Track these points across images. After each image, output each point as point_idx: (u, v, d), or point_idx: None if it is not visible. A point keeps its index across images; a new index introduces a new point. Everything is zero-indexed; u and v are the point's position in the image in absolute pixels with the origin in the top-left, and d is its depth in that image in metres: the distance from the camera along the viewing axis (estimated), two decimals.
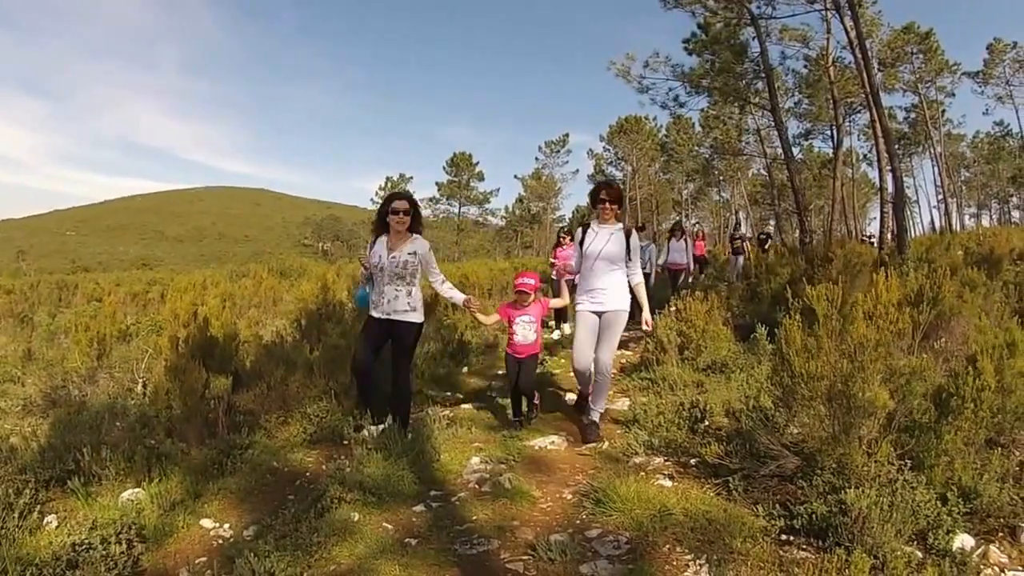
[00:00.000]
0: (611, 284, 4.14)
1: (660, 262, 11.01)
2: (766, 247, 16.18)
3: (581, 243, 4.25)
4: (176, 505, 3.18)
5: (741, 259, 14.34)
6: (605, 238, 4.16)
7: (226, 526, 3.06)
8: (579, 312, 4.21)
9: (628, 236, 4.18)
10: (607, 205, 4.14)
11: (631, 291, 4.25)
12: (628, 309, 4.14)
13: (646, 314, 4.26)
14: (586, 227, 4.32)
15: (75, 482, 3.14)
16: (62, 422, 3.73)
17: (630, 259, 4.18)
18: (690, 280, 11.14)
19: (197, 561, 2.73)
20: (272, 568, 2.45)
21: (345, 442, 3.93)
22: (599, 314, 4.15)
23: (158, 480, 3.32)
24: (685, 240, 11.12)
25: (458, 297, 4.20)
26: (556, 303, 4.81)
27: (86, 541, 2.67)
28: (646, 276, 9.64)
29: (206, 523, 3.07)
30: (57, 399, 4.32)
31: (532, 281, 4.37)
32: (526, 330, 4.37)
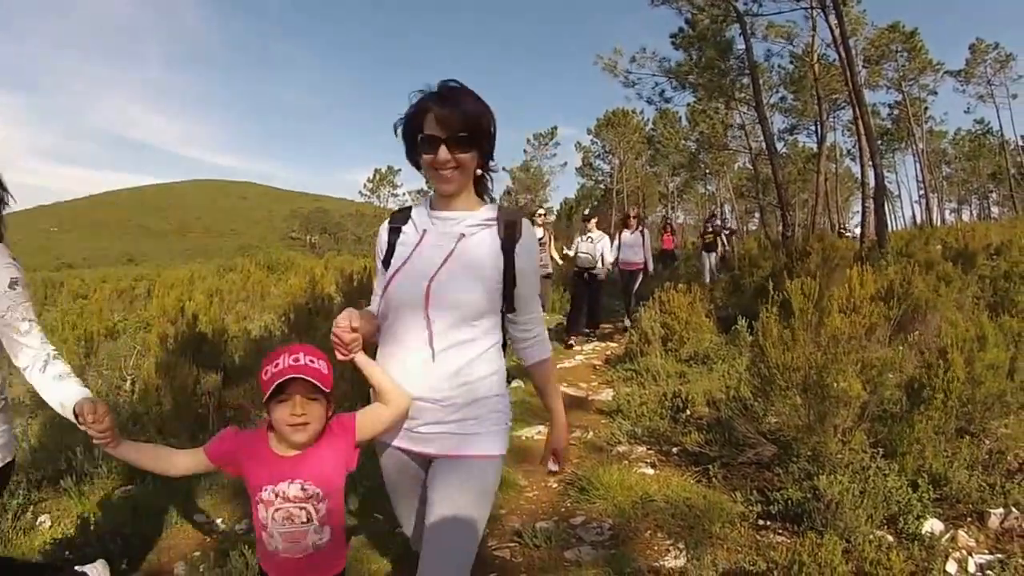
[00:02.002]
0: (457, 373, 1.53)
1: (611, 260, 7.97)
2: (727, 245, 14.34)
3: (387, 261, 1.65)
4: (169, 501, 3.22)
5: (713, 256, 12.94)
6: (446, 246, 1.57)
7: (219, 520, 3.10)
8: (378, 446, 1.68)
9: (513, 238, 1.57)
10: (441, 156, 1.50)
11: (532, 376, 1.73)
12: (500, 452, 1.59)
13: (556, 437, 1.69)
14: (401, 220, 1.68)
15: (68, 481, 3.15)
16: (52, 422, 3.72)
17: (515, 307, 1.61)
18: (634, 287, 8.42)
19: (192, 555, 2.77)
20: None
21: None
22: (427, 459, 1.62)
23: (150, 477, 3.34)
24: (642, 232, 8.35)
25: (73, 397, 1.68)
26: (367, 424, 1.56)
27: (81, 539, 2.70)
28: (595, 280, 7.75)
29: (199, 518, 3.11)
30: None
31: (322, 366, 1.49)
32: (292, 527, 1.48)
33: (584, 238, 7.79)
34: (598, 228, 8.03)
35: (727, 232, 15.25)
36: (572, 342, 7.60)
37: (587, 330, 8.25)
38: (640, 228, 8.52)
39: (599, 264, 7.64)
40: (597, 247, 7.63)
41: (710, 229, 13.40)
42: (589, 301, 7.88)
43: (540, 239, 7.37)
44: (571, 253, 7.99)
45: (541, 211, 8.73)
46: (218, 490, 3.39)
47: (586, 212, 8.92)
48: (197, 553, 2.79)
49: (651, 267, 8.65)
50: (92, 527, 2.84)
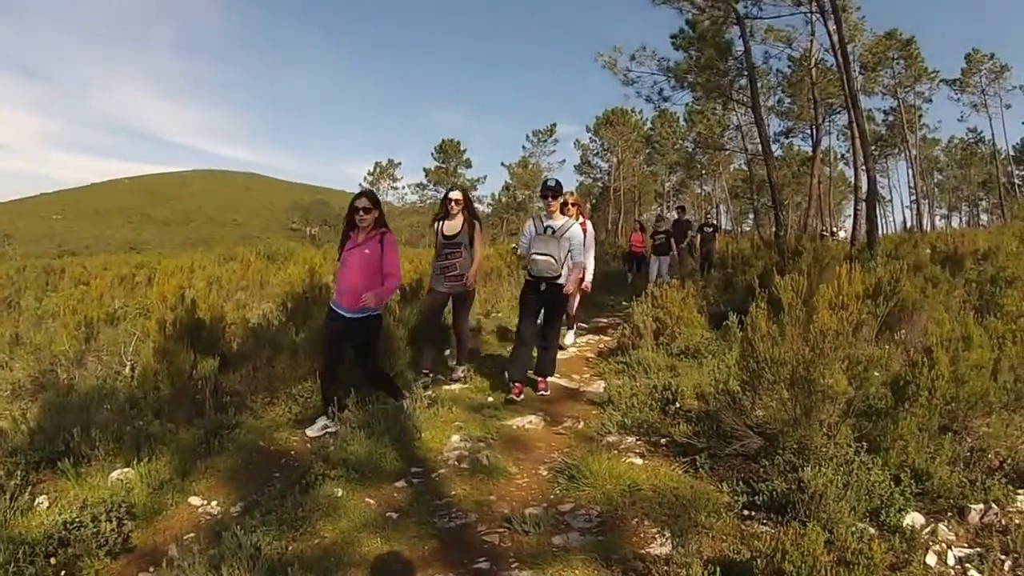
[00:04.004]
0: None
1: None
2: (711, 243, 12.35)
3: None
4: (165, 484, 3.25)
5: (664, 261, 11.22)
6: None
7: (214, 503, 3.15)
8: None
9: None
10: None
11: None
12: None
13: None
14: None
15: (65, 463, 3.17)
16: (51, 405, 3.74)
17: None
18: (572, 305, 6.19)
19: (186, 537, 2.81)
20: (258, 542, 2.53)
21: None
22: None
23: (147, 460, 3.37)
24: (584, 229, 5.43)
25: None
26: None
27: (77, 520, 2.72)
28: (559, 294, 4.63)
29: (194, 501, 3.16)
30: (46, 383, 4.33)
31: None
32: None
33: (543, 227, 4.80)
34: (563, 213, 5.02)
35: (710, 229, 13.04)
36: (517, 396, 4.64)
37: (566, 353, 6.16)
38: (582, 222, 5.58)
39: (564, 270, 4.71)
40: (562, 244, 4.68)
41: (660, 230, 11.49)
42: (547, 328, 4.89)
43: (453, 238, 4.97)
44: (520, 251, 5.21)
45: (455, 193, 5.12)
46: (213, 473, 3.44)
47: (550, 183, 4.80)
48: (191, 534, 2.83)
49: (589, 278, 6.13)
50: (88, 508, 2.87)
